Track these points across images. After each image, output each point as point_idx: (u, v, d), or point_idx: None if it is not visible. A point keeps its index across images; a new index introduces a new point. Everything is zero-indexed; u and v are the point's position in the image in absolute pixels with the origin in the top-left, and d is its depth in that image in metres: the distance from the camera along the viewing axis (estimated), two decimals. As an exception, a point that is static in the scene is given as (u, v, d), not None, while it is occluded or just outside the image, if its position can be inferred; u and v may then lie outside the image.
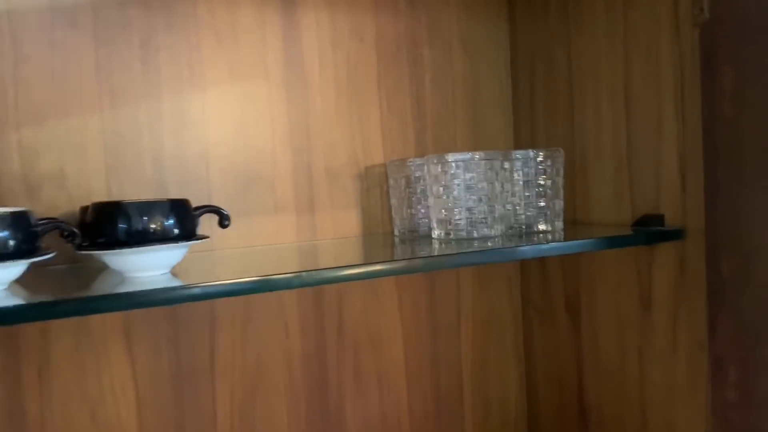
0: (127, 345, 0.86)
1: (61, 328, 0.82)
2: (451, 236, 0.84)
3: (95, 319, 0.84)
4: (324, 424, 0.98)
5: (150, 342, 0.87)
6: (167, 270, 0.66)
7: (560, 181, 0.90)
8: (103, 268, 0.75)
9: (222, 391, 0.91)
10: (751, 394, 0.76)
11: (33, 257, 0.59)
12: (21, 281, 0.65)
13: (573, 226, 0.98)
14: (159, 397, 0.87)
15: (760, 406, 0.75)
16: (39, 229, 0.61)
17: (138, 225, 0.63)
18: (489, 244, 0.80)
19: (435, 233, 0.85)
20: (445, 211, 0.84)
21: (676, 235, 0.84)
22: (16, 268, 0.59)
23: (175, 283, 0.61)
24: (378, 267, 0.71)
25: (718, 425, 0.80)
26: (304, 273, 0.64)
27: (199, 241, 0.67)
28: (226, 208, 0.78)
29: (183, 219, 0.66)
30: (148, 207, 0.64)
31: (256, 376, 0.93)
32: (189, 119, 0.88)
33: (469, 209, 0.84)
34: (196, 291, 0.58)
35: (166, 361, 0.88)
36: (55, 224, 0.62)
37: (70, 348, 0.83)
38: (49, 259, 0.61)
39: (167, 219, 0.65)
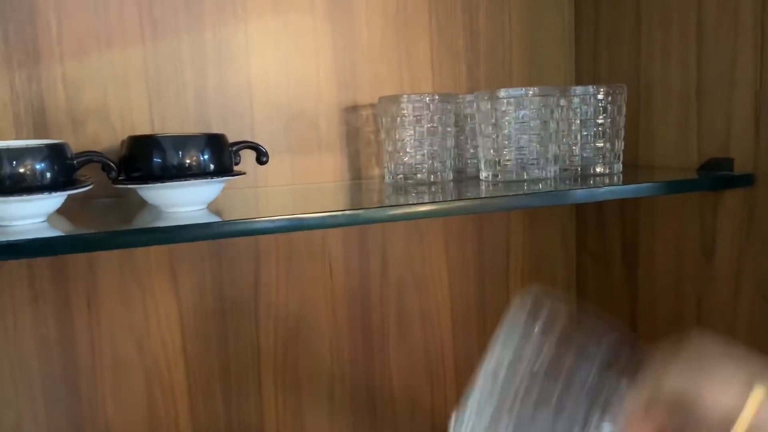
0: (173, 279, 0.87)
1: (107, 259, 0.83)
2: (499, 178, 0.80)
3: (140, 253, 0.85)
4: (367, 364, 0.98)
5: (194, 276, 0.88)
6: (204, 206, 0.66)
7: (621, 120, 0.84)
8: (144, 203, 0.75)
9: (265, 327, 0.92)
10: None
11: (69, 189, 0.59)
12: (65, 212, 0.65)
13: (633, 169, 0.92)
14: (203, 331, 0.89)
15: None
16: (75, 161, 0.61)
17: (173, 159, 0.62)
18: (540, 186, 0.76)
19: (483, 174, 0.81)
20: (494, 151, 0.79)
21: (746, 180, 0.77)
22: (54, 200, 0.59)
23: (209, 219, 0.60)
24: (422, 208, 0.68)
25: (779, 383, 0.75)
26: (339, 213, 0.62)
27: (236, 176, 0.66)
28: (269, 145, 0.77)
29: (219, 154, 0.65)
30: (183, 141, 0.63)
31: (299, 313, 0.93)
32: (232, 52, 0.86)
33: (519, 149, 0.80)
34: (227, 228, 0.57)
35: (210, 295, 0.88)
36: (90, 157, 0.62)
37: (117, 280, 0.84)
38: (85, 191, 0.61)
39: (203, 154, 0.63)
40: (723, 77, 0.80)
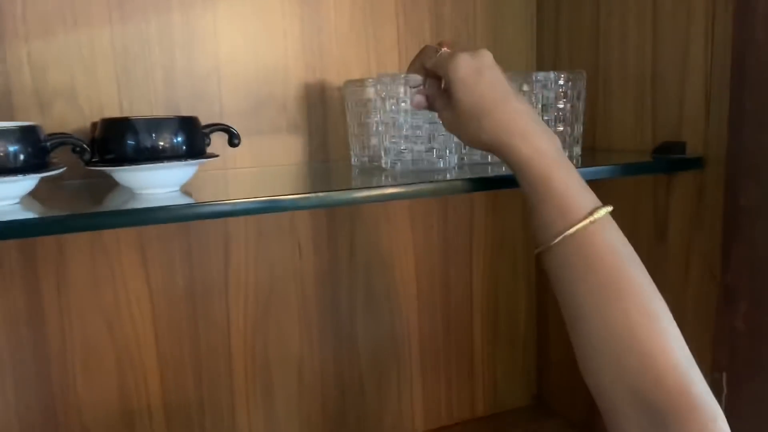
0: (142, 261, 0.87)
1: (77, 242, 0.84)
2: (465, 161, 0.82)
3: (109, 235, 0.85)
4: (335, 341, 1.01)
5: (164, 258, 0.88)
6: (177, 188, 0.66)
7: (581, 105, 0.87)
8: (115, 185, 0.75)
9: (235, 307, 0.93)
10: (760, 325, 0.76)
11: (42, 172, 0.59)
12: (34, 195, 0.65)
13: (592, 152, 0.96)
14: (174, 311, 0.90)
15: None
16: (48, 143, 0.61)
17: (146, 142, 0.63)
18: (503, 169, 0.78)
19: (452, 159, 0.83)
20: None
21: (697, 163, 0.81)
22: (27, 182, 0.59)
23: (182, 200, 0.61)
24: (390, 190, 0.70)
25: (724, 355, 0.80)
26: (312, 195, 0.63)
27: (208, 159, 0.67)
28: (238, 127, 0.77)
29: (192, 136, 0.65)
30: (156, 124, 0.64)
31: (268, 293, 0.95)
32: (199, 33, 0.86)
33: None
34: (201, 209, 0.58)
35: (180, 276, 0.89)
36: (63, 139, 0.62)
37: (87, 262, 0.84)
38: (58, 173, 0.61)
39: (176, 136, 0.64)
40: (676, 64, 0.84)
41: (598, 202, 0.58)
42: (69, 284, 0.84)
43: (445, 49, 0.65)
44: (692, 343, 0.85)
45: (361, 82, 0.85)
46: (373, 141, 0.84)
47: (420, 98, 0.68)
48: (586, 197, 0.58)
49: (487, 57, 0.64)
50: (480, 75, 0.62)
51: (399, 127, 0.77)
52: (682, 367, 0.51)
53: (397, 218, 1.02)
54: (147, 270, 0.88)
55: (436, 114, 0.69)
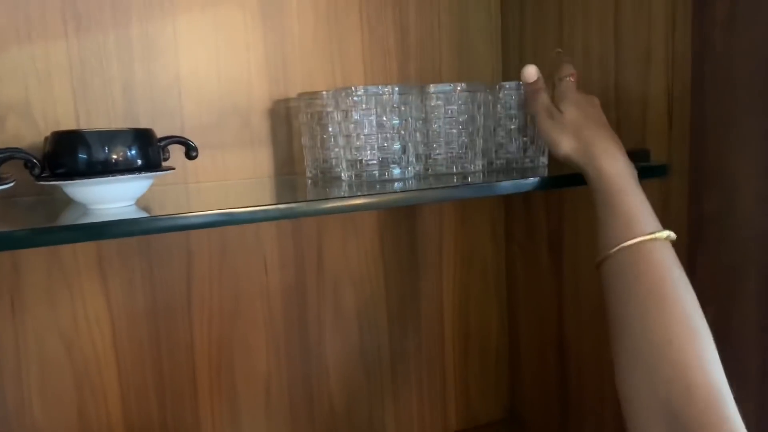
0: (102, 279, 0.85)
1: (33, 261, 0.81)
2: (430, 171, 0.82)
3: (67, 253, 0.82)
4: (303, 359, 0.99)
5: (124, 276, 0.86)
6: (132, 202, 0.65)
7: (545, 115, 0.87)
8: (69, 201, 0.73)
9: (199, 324, 0.91)
10: (726, 332, 0.75)
11: (-11, 187, 0.57)
12: (-18, 212, 0.63)
13: (558, 161, 0.95)
14: (135, 331, 0.87)
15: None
16: (-5, 158, 0.59)
17: (99, 155, 0.61)
18: (468, 179, 0.78)
19: (412, 169, 0.83)
20: (423, 145, 0.81)
21: (661, 171, 0.81)
22: (-28, 198, 0.57)
23: (137, 215, 0.59)
24: (354, 201, 0.69)
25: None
26: (271, 207, 0.62)
27: (164, 172, 0.65)
28: (200, 141, 0.76)
29: (147, 149, 0.64)
30: (109, 136, 0.62)
31: (234, 310, 0.93)
32: (159, 46, 0.85)
33: (448, 143, 0.82)
34: (156, 223, 0.56)
35: (141, 294, 0.87)
36: (11, 153, 0.60)
37: (43, 281, 0.82)
38: (6, 188, 0.59)
39: (130, 149, 0.62)
40: (638, 73, 0.84)
41: (661, 228, 0.64)
42: (24, 304, 0.81)
43: (572, 79, 0.78)
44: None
45: (313, 95, 0.84)
46: (329, 154, 0.83)
47: (538, 89, 0.79)
48: (652, 220, 0.65)
49: (597, 99, 0.78)
50: (590, 104, 0.76)
51: (355, 138, 0.76)
52: (716, 384, 0.52)
53: (365, 232, 1.01)
54: (107, 288, 0.85)
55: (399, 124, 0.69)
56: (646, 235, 0.62)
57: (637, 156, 0.84)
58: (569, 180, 0.79)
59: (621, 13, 0.86)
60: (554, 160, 0.92)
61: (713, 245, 0.76)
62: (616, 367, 0.59)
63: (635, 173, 0.69)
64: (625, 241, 0.62)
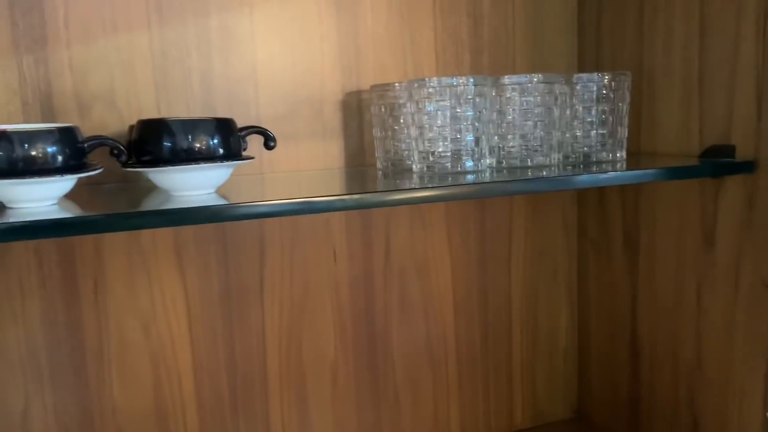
0: (178, 264, 0.87)
1: (114, 245, 0.84)
2: (503, 164, 0.81)
3: (146, 238, 0.85)
4: (370, 348, 0.99)
5: (200, 261, 0.88)
6: (212, 190, 0.66)
7: (625, 107, 0.85)
8: (153, 187, 0.76)
9: (270, 311, 0.93)
10: (817, 337, 0.72)
11: (80, 173, 0.60)
12: (71, 197, 0.66)
13: (636, 155, 0.93)
14: (209, 315, 0.89)
15: (825, 350, 0.71)
16: (86, 145, 0.62)
17: (182, 143, 0.63)
18: (543, 172, 0.77)
19: (486, 162, 0.82)
20: (497, 137, 0.80)
21: (746, 167, 0.78)
22: (64, 183, 0.60)
23: (217, 202, 0.60)
24: (424, 193, 0.69)
25: (778, 367, 0.76)
26: (347, 197, 0.62)
27: (244, 161, 0.67)
28: (274, 131, 0.77)
29: (228, 139, 0.65)
30: (193, 125, 0.64)
31: (303, 297, 0.94)
32: (237, 38, 0.86)
33: (523, 136, 0.80)
34: (236, 210, 0.58)
35: (215, 280, 0.89)
36: (101, 141, 0.62)
37: (124, 265, 0.85)
38: (95, 174, 0.62)
39: (212, 138, 0.64)
40: (725, 64, 0.81)
41: None
42: (106, 287, 0.84)
43: None
44: (742, 355, 0.81)
45: (386, 86, 0.84)
46: (400, 145, 0.83)
47: None
48: None
49: None
50: None
51: (428, 130, 0.76)
52: None
53: (433, 224, 1.00)
54: (183, 273, 0.88)
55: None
56: None
57: (721, 152, 0.81)
58: (649, 176, 0.77)
59: (707, 0, 0.82)
60: (630, 153, 0.89)
61: (804, 245, 0.72)
62: None
63: None
64: None
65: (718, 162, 0.80)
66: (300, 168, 0.91)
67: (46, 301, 0.82)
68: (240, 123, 0.71)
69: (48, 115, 0.79)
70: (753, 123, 0.78)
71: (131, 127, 0.71)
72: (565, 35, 1.04)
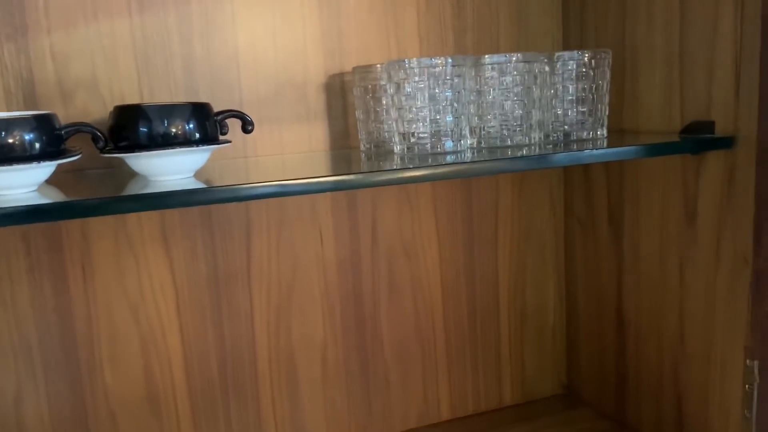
0: (165, 249, 0.88)
1: (101, 231, 0.85)
2: (483, 144, 0.81)
3: (133, 223, 0.86)
4: (359, 329, 1.00)
5: (187, 245, 0.89)
6: (190, 174, 0.67)
7: (605, 85, 0.85)
8: (132, 173, 0.76)
9: (258, 294, 0.94)
10: (794, 310, 0.73)
11: (58, 159, 0.61)
12: (54, 183, 0.67)
13: (618, 133, 0.93)
14: (197, 298, 0.91)
15: (802, 323, 0.72)
16: (63, 131, 0.62)
17: (159, 128, 0.63)
18: (523, 151, 0.77)
19: (466, 142, 0.82)
20: (477, 118, 0.80)
21: (726, 143, 0.78)
22: (43, 169, 0.61)
23: (195, 186, 0.61)
24: (408, 174, 0.70)
25: (757, 339, 0.77)
26: (325, 179, 0.63)
27: (221, 145, 0.67)
28: (258, 115, 0.77)
29: (204, 123, 0.66)
30: (168, 110, 0.64)
31: (291, 280, 0.95)
32: (218, 22, 0.87)
33: (503, 115, 0.81)
34: (213, 194, 0.58)
35: (203, 263, 0.90)
36: (78, 127, 0.63)
37: (111, 250, 0.86)
38: (73, 161, 0.63)
39: (188, 123, 0.64)
40: (705, 41, 0.81)
41: None
42: (94, 272, 0.85)
43: None
44: (723, 329, 0.82)
45: (367, 68, 0.84)
46: (382, 127, 0.83)
47: None
48: None
49: None
50: None
51: (407, 111, 0.76)
52: None
53: (419, 205, 1.01)
54: (170, 258, 0.89)
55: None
56: None
57: (701, 128, 0.81)
58: (628, 153, 0.78)
59: (687, -23, 0.82)
60: (613, 131, 0.90)
61: (781, 220, 0.73)
62: None
63: None
64: None
65: (698, 138, 0.80)
66: (285, 151, 0.92)
67: (34, 286, 0.83)
68: (223, 107, 0.72)
69: (31, 103, 0.80)
70: (731, 99, 0.78)
71: (111, 113, 0.71)
72: (550, 14, 1.04)
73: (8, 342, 0.83)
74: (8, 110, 0.79)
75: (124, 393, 0.89)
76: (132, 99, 0.83)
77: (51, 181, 0.64)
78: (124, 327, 0.88)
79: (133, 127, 0.63)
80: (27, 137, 0.59)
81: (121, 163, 0.80)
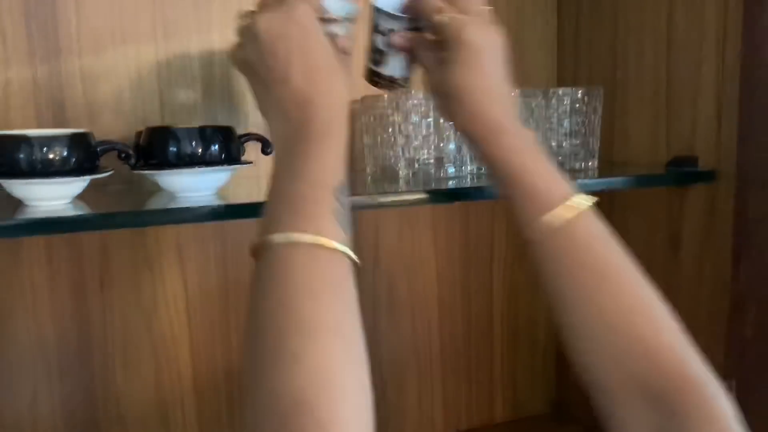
0: (179, 261, 0.93)
1: (120, 244, 0.90)
2: (483, 171, 0.87)
3: (150, 237, 0.91)
4: (359, 344, 1.05)
5: (200, 259, 0.94)
6: (213, 191, 0.72)
7: (597, 120, 0.91)
8: (155, 189, 0.81)
9: (265, 308, 0.98)
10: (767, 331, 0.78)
11: (93, 174, 0.66)
12: (83, 198, 0.71)
13: (608, 165, 0.99)
14: (207, 310, 0.95)
15: (776, 345, 0.77)
16: (98, 149, 0.67)
17: (187, 149, 0.69)
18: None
19: (467, 168, 0.88)
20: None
21: (708, 176, 0.84)
22: (77, 184, 0.66)
23: (217, 202, 0.66)
24: (410, 197, 0.75)
25: (734, 359, 0.82)
26: (337, 198, 0.68)
27: (242, 165, 0.72)
28: (271, 137, 0.82)
29: (228, 145, 0.71)
30: (196, 132, 0.70)
31: (296, 296, 1.00)
32: (237, 51, 0.92)
33: (502, 145, 0.86)
34: (233, 210, 0.64)
35: (214, 276, 0.95)
36: (112, 145, 0.68)
37: (128, 262, 0.90)
38: (107, 176, 0.68)
39: (213, 144, 0.70)
40: (689, 82, 0.87)
41: (574, 190, 0.58)
42: (112, 282, 0.90)
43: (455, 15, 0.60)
44: (705, 352, 0.87)
45: (375, 98, 0.90)
46: (389, 152, 0.89)
47: (403, 39, 0.64)
48: (562, 187, 0.57)
49: (495, 33, 0.62)
50: (482, 56, 0.60)
51: (413, 138, 0.82)
52: (677, 348, 0.51)
53: (419, 226, 1.06)
54: (184, 270, 0.93)
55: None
56: (563, 211, 0.56)
57: (685, 162, 0.87)
58: (617, 183, 0.83)
59: (674, 20, 0.89)
60: (603, 163, 0.96)
61: (758, 247, 0.79)
62: (573, 354, 0.56)
63: (533, 138, 0.60)
64: (543, 224, 0.56)
65: (682, 171, 0.86)
66: (294, 173, 0.97)
67: (55, 294, 0.87)
68: (239, 131, 0.77)
69: (60, 121, 0.85)
70: (714, 135, 0.84)
71: (138, 133, 0.77)
72: (546, 51, 1.11)
73: (27, 346, 0.87)
74: (38, 127, 0.84)
75: (134, 398, 0.93)
76: (154, 121, 0.89)
77: (81, 196, 0.69)
78: (136, 335, 0.92)
79: (163, 147, 0.68)
80: (66, 153, 0.64)
81: (141, 180, 0.85)
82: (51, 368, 0.88)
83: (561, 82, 1.11)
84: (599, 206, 1.03)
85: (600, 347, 0.54)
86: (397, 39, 0.63)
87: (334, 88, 0.54)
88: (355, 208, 0.75)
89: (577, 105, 0.89)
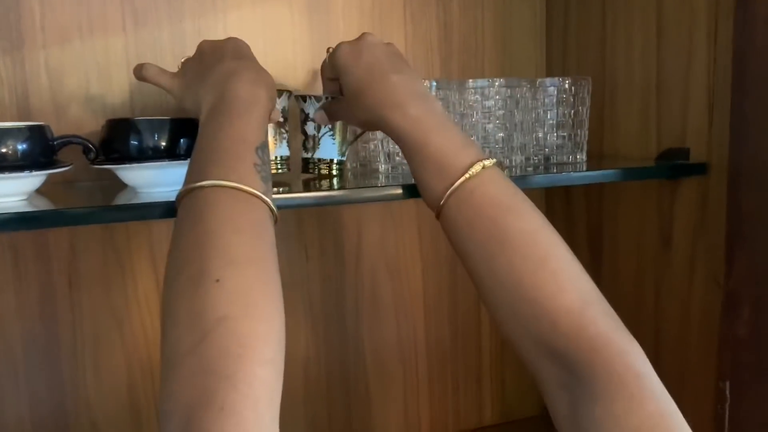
0: (152, 260, 0.90)
1: (89, 242, 0.86)
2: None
3: (120, 234, 0.88)
4: (341, 346, 1.02)
5: (173, 259, 0.90)
6: (179, 186, 0.68)
7: (585, 111, 0.88)
8: (122, 186, 0.78)
9: (242, 308, 0.95)
10: (763, 332, 0.75)
11: (49, 169, 0.62)
12: (45, 194, 0.68)
13: (598, 158, 0.96)
14: (182, 311, 0.92)
15: (770, 345, 0.74)
16: (55, 142, 0.64)
17: (149, 141, 0.65)
18: (505, 172, 0.79)
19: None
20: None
21: (699, 169, 0.81)
22: (34, 179, 0.62)
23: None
24: (391, 191, 0.72)
25: (727, 360, 0.79)
26: (305, 194, 0.65)
27: (209, 159, 0.69)
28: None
29: (193, 138, 0.67)
30: (159, 124, 0.66)
31: (275, 296, 0.96)
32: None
33: (485, 138, 0.83)
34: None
35: (188, 277, 0.91)
36: (69, 139, 0.65)
37: (98, 261, 0.87)
38: (64, 171, 0.64)
39: (176, 137, 0.66)
40: (680, 72, 0.84)
41: (477, 158, 0.59)
42: (81, 282, 0.87)
43: (331, 48, 0.70)
44: (697, 351, 0.84)
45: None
46: (368, 147, 0.85)
47: (321, 113, 0.73)
48: (463, 156, 0.59)
49: (367, 39, 0.66)
50: (359, 57, 0.65)
51: None
52: (576, 309, 0.52)
53: (403, 224, 1.03)
54: (156, 270, 0.90)
55: None
56: (460, 177, 0.58)
57: (676, 154, 0.84)
58: (605, 176, 0.80)
59: (663, 9, 0.85)
60: (592, 156, 0.92)
61: (751, 243, 0.75)
62: (490, 317, 0.59)
63: (437, 108, 0.63)
64: (443, 192, 0.59)
65: (673, 164, 0.83)
66: (274, 168, 0.94)
67: (21, 294, 0.84)
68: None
69: (25, 116, 0.82)
70: (705, 127, 0.81)
71: (103, 127, 0.73)
72: (534, 41, 1.07)
73: (-8, 350, 0.84)
74: (2, 122, 0.80)
75: (106, 403, 0.89)
76: (124, 114, 0.85)
77: (41, 191, 0.66)
78: (108, 338, 0.89)
79: (123, 140, 0.65)
80: (20, 147, 0.61)
81: (113, 175, 0.82)
82: (17, 372, 0.85)
83: (549, 73, 1.08)
84: (588, 200, 1.01)
85: (504, 309, 0.56)
86: (318, 114, 0.73)
87: (260, 69, 0.63)
88: (336, 203, 0.73)
89: (564, 96, 0.86)
